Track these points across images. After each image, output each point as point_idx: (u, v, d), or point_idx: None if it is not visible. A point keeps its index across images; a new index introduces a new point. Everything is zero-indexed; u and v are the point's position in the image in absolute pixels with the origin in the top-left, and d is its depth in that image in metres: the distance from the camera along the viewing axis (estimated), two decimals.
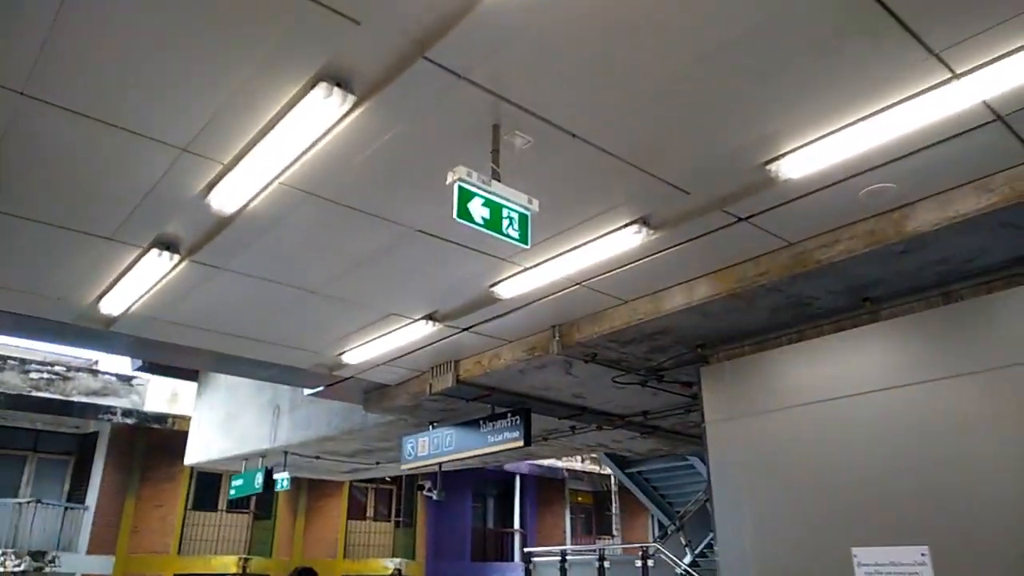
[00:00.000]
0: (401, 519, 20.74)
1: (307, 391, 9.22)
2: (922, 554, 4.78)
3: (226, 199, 4.38)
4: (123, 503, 16.16)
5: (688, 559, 11.97)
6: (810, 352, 5.86)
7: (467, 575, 20.79)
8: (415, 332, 6.80)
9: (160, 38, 3.21)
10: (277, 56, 3.29)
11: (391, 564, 19.17)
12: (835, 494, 5.34)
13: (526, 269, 5.50)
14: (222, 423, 12.81)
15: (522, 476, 22.46)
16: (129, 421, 15.88)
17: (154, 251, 5.10)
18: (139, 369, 14.25)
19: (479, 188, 3.55)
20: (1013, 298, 4.84)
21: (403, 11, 3.04)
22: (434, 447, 8.94)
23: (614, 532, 21.03)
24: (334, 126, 3.71)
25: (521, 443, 7.75)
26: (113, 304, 6.05)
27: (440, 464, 9.30)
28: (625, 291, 5.96)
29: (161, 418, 16.20)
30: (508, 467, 20.31)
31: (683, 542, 12.51)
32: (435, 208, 4.48)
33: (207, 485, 17.35)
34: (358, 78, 3.40)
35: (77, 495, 15.95)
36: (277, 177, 4.19)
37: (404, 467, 9.50)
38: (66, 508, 15.59)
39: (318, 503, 19.39)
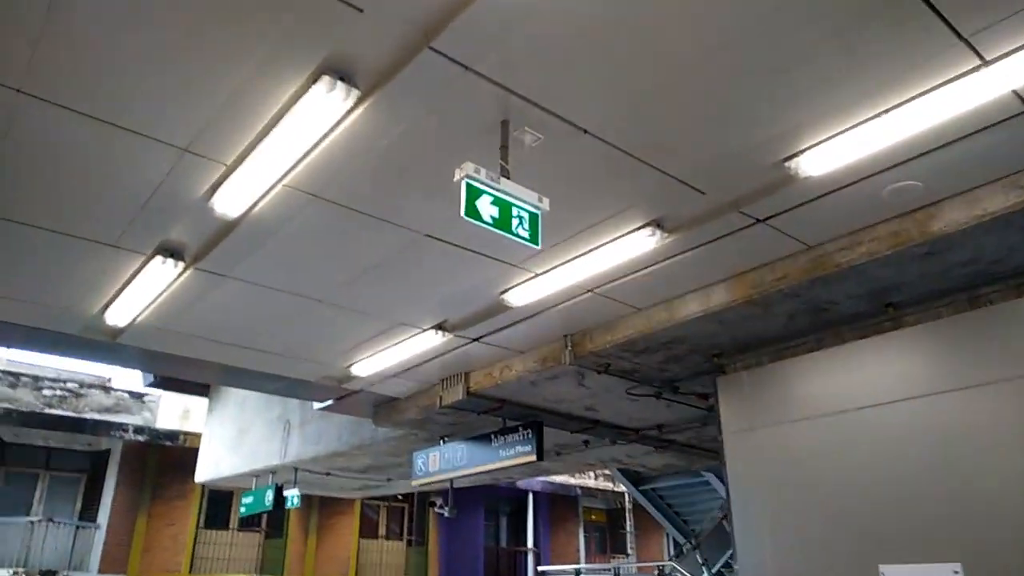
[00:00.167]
0: (413, 537, 20.51)
1: (317, 405, 9.14)
2: (955, 572, 4.54)
3: (230, 202, 4.29)
4: (135, 521, 16.06)
5: None
6: (831, 360, 5.66)
7: None
8: (425, 342, 6.67)
9: (159, 35, 3.14)
10: (278, 49, 3.20)
11: None
12: (860, 509, 5.12)
13: (537, 275, 5.37)
14: (233, 439, 12.72)
15: (535, 494, 22.14)
16: (141, 438, 15.84)
17: (158, 258, 5.02)
18: (151, 385, 14.26)
19: (488, 185, 3.43)
20: None
21: None
22: (445, 462, 8.82)
23: (629, 550, 20.69)
24: (338, 123, 3.61)
25: (533, 457, 7.61)
26: (119, 315, 5.98)
27: (452, 480, 9.15)
28: (638, 298, 5.80)
29: (173, 435, 16.17)
30: (520, 484, 20.01)
31: (700, 560, 12.24)
32: (442, 210, 4.36)
33: (218, 503, 17.25)
34: (362, 71, 3.31)
35: (89, 513, 15.87)
36: (281, 178, 4.09)
37: (415, 483, 9.38)
38: (78, 527, 15.50)
39: (329, 521, 19.20)
